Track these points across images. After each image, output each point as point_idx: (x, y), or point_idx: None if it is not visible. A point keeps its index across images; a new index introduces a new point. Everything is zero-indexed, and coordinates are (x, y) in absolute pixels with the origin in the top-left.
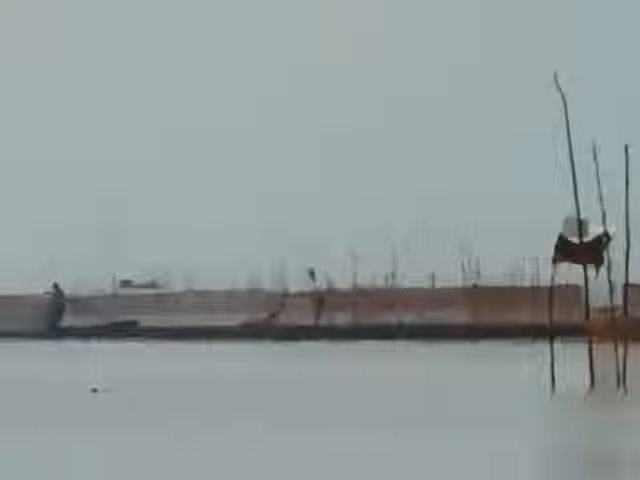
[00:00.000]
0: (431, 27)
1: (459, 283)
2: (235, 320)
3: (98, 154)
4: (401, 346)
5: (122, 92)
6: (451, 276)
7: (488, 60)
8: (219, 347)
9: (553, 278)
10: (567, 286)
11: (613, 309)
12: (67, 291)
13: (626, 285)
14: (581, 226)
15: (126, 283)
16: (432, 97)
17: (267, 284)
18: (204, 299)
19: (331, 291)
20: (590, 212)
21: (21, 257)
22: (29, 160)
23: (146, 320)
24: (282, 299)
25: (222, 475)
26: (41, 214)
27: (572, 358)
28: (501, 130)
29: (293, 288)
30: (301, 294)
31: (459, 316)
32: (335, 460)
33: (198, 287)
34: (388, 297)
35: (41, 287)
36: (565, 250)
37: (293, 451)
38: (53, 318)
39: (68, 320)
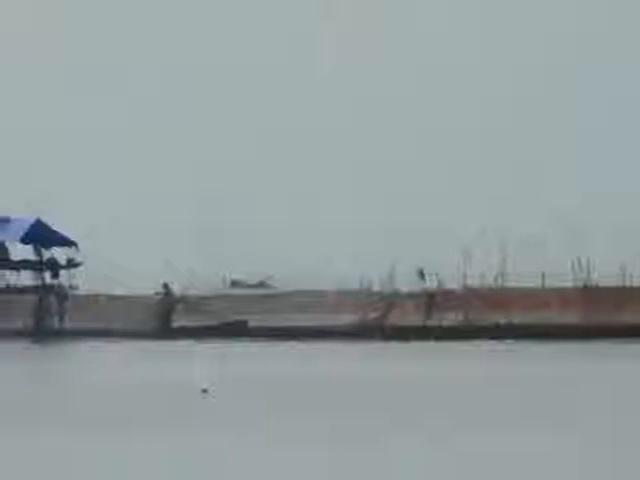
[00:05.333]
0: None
1: (569, 283)
2: (345, 320)
3: (213, 153)
4: (511, 346)
5: (223, 91)
6: (561, 276)
7: (586, 54)
8: (329, 347)
9: None
10: None
11: None
12: (177, 291)
13: None
14: None
15: (236, 283)
16: (535, 98)
17: (377, 284)
18: (314, 299)
19: (441, 291)
20: None
21: (134, 257)
22: (137, 161)
23: (256, 320)
24: (392, 299)
25: (326, 474)
26: (153, 214)
27: None
28: (610, 129)
29: (403, 288)
30: (411, 294)
31: (569, 316)
32: (452, 459)
33: (308, 287)
34: (498, 297)
35: (153, 287)
36: None
37: (403, 450)
38: (163, 318)
39: (178, 320)
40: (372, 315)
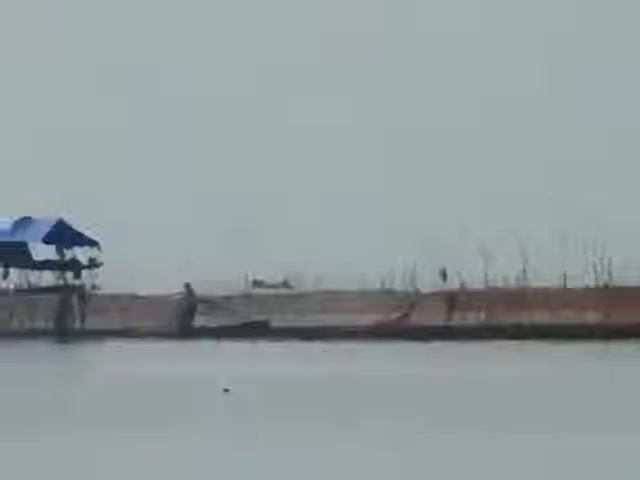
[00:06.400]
0: (559, 25)
1: (591, 283)
2: (367, 320)
3: (233, 153)
4: (533, 346)
5: (252, 91)
6: (583, 276)
7: (591, 52)
8: (350, 347)
9: None
10: None
11: None
12: (199, 291)
13: None
14: None
15: (257, 283)
16: (560, 97)
17: (399, 284)
18: (335, 299)
19: (463, 291)
20: None
21: (155, 258)
22: (162, 161)
23: (277, 320)
24: (414, 299)
25: (352, 475)
26: (175, 214)
27: None
28: (631, 126)
29: (425, 288)
30: (433, 294)
31: (591, 316)
32: (470, 459)
33: (329, 287)
34: (520, 297)
35: (175, 288)
36: None
37: (426, 451)
38: (185, 318)
39: (200, 320)
40: (394, 315)
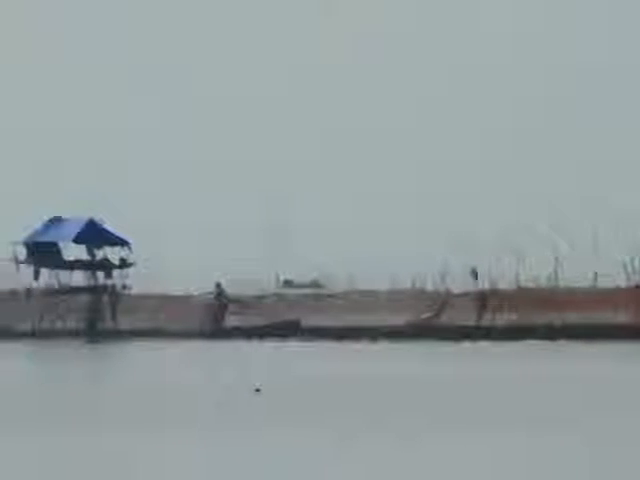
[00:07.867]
0: (590, 25)
1: (622, 283)
2: (397, 320)
3: (262, 154)
4: (564, 346)
5: (285, 91)
6: (614, 276)
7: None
8: (381, 347)
9: None
10: None
11: None
12: (230, 291)
13: None
14: None
15: (288, 283)
16: (592, 97)
17: (430, 284)
18: (366, 299)
19: (494, 291)
20: None
21: (187, 257)
22: (195, 160)
23: (308, 320)
24: (444, 299)
25: (383, 474)
26: (208, 215)
27: None
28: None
29: (456, 288)
30: (464, 294)
31: (622, 316)
32: (500, 459)
33: (360, 287)
34: (550, 297)
35: (207, 287)
36: None
37: (455, 450)
38: (216, 318)
39: (231, 320)
40: (425, 315)
